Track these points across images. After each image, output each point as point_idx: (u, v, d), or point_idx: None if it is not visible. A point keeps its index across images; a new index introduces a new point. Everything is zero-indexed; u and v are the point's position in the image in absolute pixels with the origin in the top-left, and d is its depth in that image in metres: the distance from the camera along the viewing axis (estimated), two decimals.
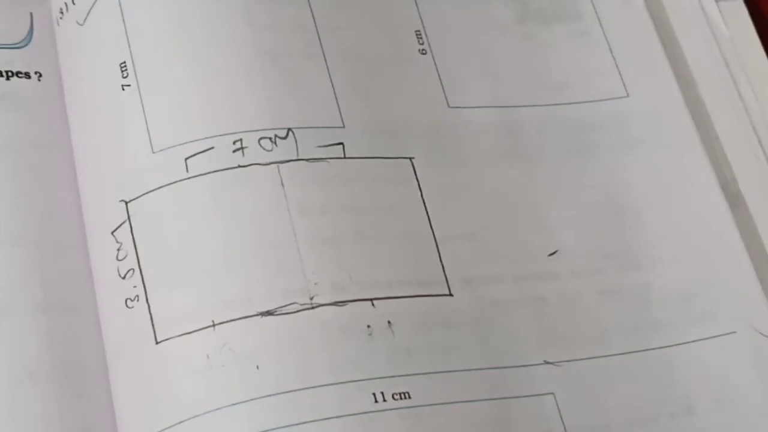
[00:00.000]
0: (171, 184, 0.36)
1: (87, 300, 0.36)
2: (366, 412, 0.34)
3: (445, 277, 0.37)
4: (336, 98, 0.38)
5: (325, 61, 0.39)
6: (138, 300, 0.35)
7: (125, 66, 0.38)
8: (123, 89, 0.37)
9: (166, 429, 0.33)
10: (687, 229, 0.39)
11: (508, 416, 0.35)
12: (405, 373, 0.34)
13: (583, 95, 0.41)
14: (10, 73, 0.39)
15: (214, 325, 0.34)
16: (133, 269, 0.35)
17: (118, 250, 0.36)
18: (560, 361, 0.36)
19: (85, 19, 0.39)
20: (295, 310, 0.34)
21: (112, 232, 0.36)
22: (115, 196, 0.36)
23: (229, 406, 0.33)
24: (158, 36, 0.38)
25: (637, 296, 0.38)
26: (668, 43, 0.42)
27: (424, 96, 0.40)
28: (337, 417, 0.33)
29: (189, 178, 0.36)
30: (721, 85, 0.42)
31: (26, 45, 0.40)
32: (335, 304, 0.35)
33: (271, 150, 0.36)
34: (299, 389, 0.33)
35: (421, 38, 0.41)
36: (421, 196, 0.38)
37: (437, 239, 0.37)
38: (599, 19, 0.43)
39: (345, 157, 0.37)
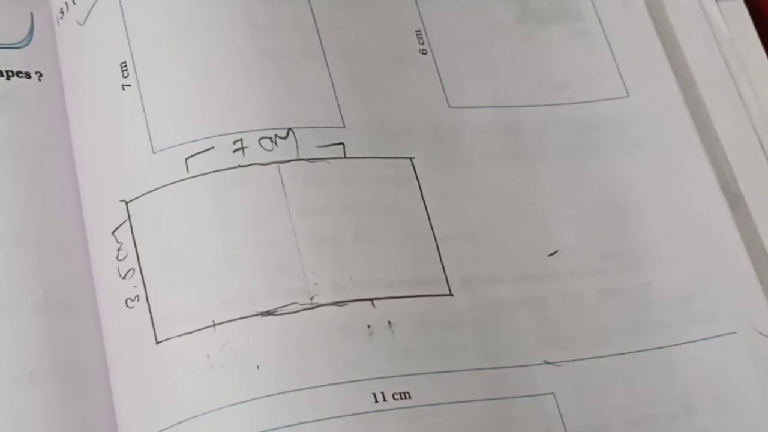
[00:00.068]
0: (171, 184, 0.36)
1: (87, 300, 0.36)
2: (366, 412, 0.33)
3: (445, 277, 0.37)
4: (336, 98, 0.38)
5: (326, 61, 0.39)
6: (138, 300, 0.35)
7: (125, 66, 0.38)
8: (123, 89, 0.37)
9: (166, 429, 0.33)
10: (687, 229, 0.39)
11: (509, 416, 0.35)
12: (405, 373, 0.34)
13: (583, 95, 0.41)
14: (10, 73, 0.39)
15: (214, 325, 0.34)
16: (134, 269, 0.35)
17: (119, 250, 0.36)
18: (560, 361, 0.36)
19: (86, 18, 0.39)
20: (295, 310, 0.34)
21: (113, 232, 0.36)
22: (115, 196, 0.36)
23: (229, 406, 0.33)
24: (158, 36, 0.38)
25: (637, 296, 0.38)
26: (668, 43, 0.42)
27: (425, 96, 0.40)
28: (337, 417, 0.33)
29: (189, 178, 0.36)
30: (721, 85, 0.42)
31: (26, 45, 0.40)
32: (335, 304, 0.35)
33: (271, 150, 0.36)
34: (299, 389, 0.33)
35: (421, 38, 0.41)
36: (422, 196, 0.38)
37: (437, 239, 0.37)
38: (599, 19, 0.43)
39: (345, 157, 0.37)
